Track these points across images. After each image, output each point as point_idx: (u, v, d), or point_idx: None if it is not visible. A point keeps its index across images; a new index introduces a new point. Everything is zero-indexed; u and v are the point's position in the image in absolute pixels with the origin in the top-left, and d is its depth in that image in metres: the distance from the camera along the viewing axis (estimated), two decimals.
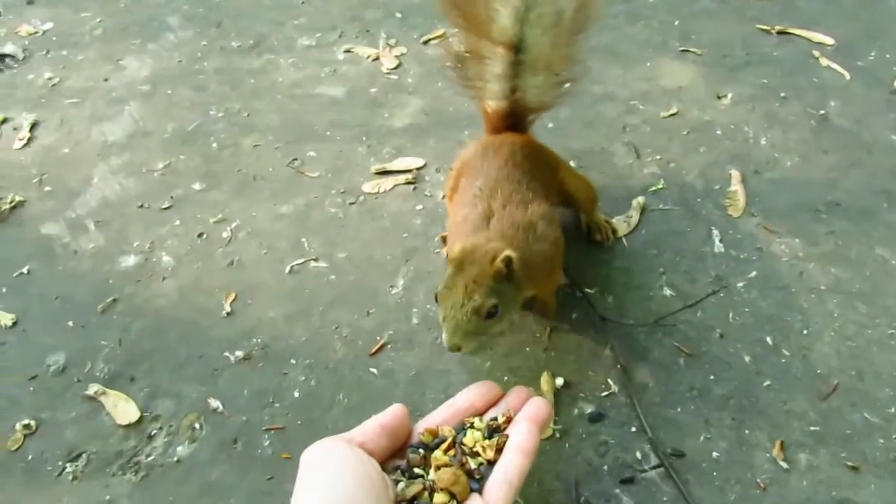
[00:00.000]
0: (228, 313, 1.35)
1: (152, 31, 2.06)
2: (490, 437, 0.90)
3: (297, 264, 1.43)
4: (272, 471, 1.13)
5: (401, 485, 0.84)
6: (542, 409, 0.96)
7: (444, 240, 1.43)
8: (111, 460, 1.16)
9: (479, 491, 0.84)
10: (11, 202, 1.57)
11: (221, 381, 1.26)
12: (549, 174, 1.28)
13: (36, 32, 2.08)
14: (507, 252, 1.01)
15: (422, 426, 0.92)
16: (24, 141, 1.73)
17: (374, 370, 1.26)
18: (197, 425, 1.20)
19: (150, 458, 1.16)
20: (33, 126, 1.77)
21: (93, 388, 1.25)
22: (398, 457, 0.89)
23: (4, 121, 1.79)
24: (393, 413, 0.89)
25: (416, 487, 0.83)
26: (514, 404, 0.97)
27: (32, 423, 1.21)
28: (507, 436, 0.90)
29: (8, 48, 2.02)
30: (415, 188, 1.57)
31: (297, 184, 1.60)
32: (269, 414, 1.21)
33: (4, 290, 1.41)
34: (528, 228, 1.14)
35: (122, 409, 1.23)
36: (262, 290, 1.39)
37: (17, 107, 1.83)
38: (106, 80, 1.90)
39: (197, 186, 1.59)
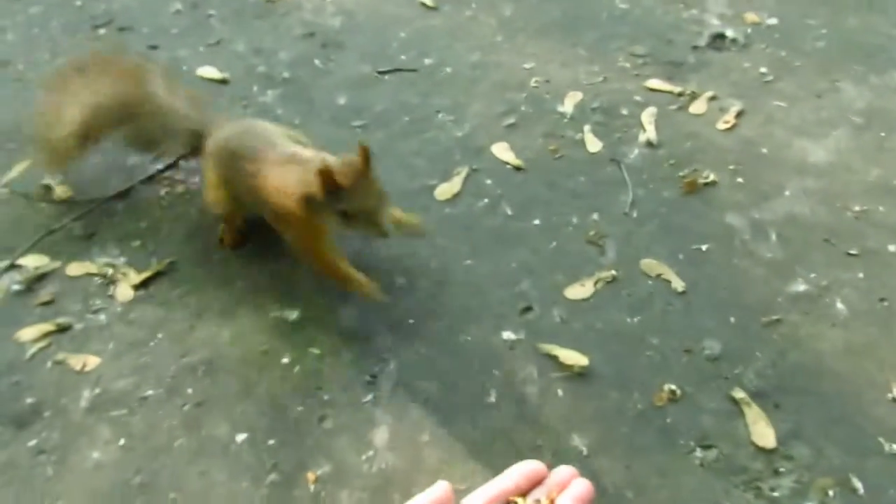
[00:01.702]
0: (895, 399, 1.25)
1: (878, 63, 1.96)
2: None
3: None
4: None
5: None
6: (586, 491, 0.95)
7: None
8: (736, 471, 1.18)
9: None
10: (706, 178, 1.66)
11: (869, 464, 1.17)
12: None
13: (760, 24, 2.14)
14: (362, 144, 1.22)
15: None
16: (728, 125, 1.81)
17: None
18: (831, 493, 1.14)
19: (773, 493, 1.15)
20: (739, 114, 1.84)
21: (738, 393, 1.27)
22: None
23: (713, 98, 1.89)
24: (440, 491, 0.90)
25: None
26: (558, 484, 0.96)
27: (678, 391, 1.29)
28: None
29: (731, 31, 2.12)
30: None
31: None
32: None
33: (681, 256, 1.51)
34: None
35: (761, 429, 1.23)
36: None
37: (727, 89, 1.92)
38: (818, 96, 1.88)
39: (891, 248, 1.49)
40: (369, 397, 1.28)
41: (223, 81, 2.00)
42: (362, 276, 1.40)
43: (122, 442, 1.23)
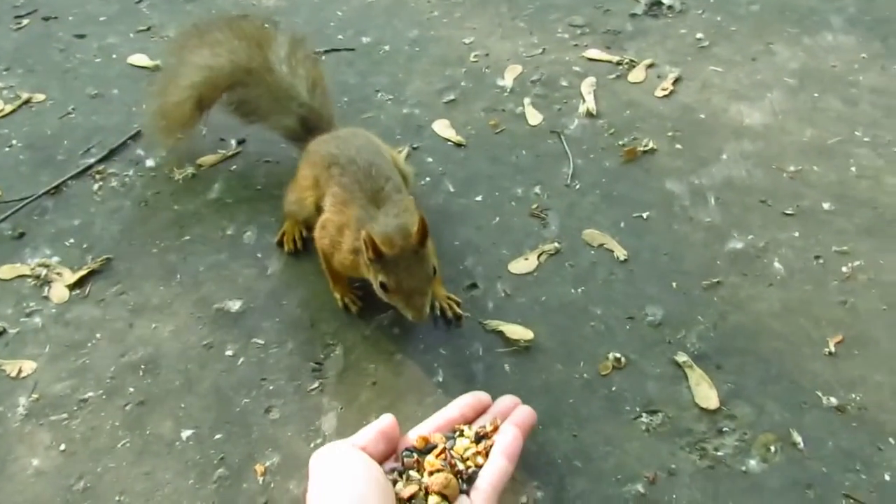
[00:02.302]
0: (831, 353, 1.28)
1: (811, 25, 1.99)
2: (478, 443, 1.01)
3: None
4: None
5: (398, 485, 0.95)
6: (528, 416, 1.04)
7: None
8: (681, 433, 1.20)
9: (467, 493, 0.95)
10: (645, 146, 1.67)
11: (808, 418, 1.20)
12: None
13: None
14: (420, 214, 1.17)
15: (415, 433, 1.02)
16: (666, 92, 1.82)
17: None
18: (772, 448, 1.17)
19: (718, 453, 1.17)
20: (677, 81, 1.85)
21: (681, 357, 1.29)
22: (390, 461, 1.00)
23: (651, 66, 1.90)
24: (387, 420, 1.00)
25: (412, 487, 0.94)
26: (502, 412, 1.06)
27: (623, 358, 1.30)
28: (493, 441, 1.00)
29: None
30: None
31: None
32: (852, 480, 1.12)
33: (623, 225, 1.52)
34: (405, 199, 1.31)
35: (704, 391, 1.25)
36: (873, 346, 1.28)
37: (665, 56, 1.93)
38: (753, 59, 1.90)
39: (826, 206, 1.52)
40: (316, 385, 1.27)
41: (155, 69, 1.94)
42: (346, 288, 1.39)
43: (62, 447, 1.20)
